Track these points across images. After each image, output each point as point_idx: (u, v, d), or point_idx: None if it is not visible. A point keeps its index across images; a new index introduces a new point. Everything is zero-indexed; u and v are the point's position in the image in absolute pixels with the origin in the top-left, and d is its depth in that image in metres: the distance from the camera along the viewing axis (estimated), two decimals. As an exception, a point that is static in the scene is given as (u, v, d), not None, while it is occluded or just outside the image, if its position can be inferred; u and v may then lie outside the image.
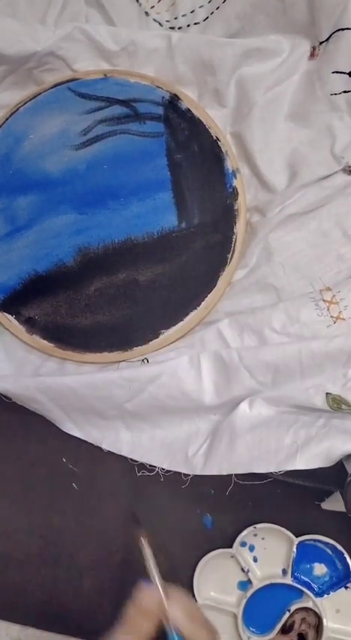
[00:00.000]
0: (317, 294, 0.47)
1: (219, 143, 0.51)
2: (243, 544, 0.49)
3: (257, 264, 0.50)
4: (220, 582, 0.49)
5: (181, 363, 0.47)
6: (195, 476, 0.48)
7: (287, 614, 0.47)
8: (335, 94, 0.47)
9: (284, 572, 0.48)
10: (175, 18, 0.51)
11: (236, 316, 0.48)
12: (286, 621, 0.48)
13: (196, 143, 0.51)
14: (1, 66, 0.51)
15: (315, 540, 0.48)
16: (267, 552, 0.49)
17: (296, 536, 0.48)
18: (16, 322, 0.51)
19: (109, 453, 0.49)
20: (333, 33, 0.46)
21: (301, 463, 0.44)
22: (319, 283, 0.48)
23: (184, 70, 0.51)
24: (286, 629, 0.48)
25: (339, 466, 0.44)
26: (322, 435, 0.45)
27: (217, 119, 0.51)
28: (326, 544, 0.48)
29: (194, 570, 0.49)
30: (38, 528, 0.51)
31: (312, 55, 0.49)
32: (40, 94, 0.52)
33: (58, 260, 0.50)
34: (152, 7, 0.52)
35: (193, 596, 0.48)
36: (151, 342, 0.50)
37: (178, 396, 0.47)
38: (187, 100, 0.51)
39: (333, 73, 0.46)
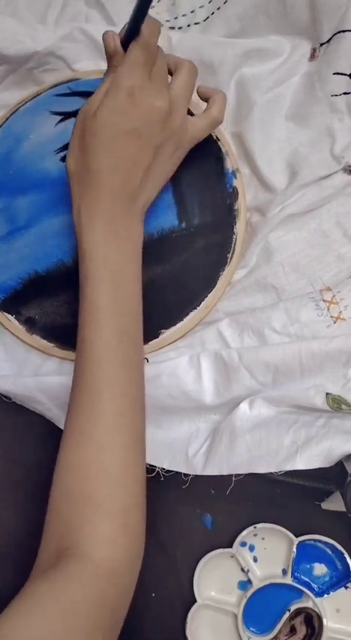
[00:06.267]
0: (317, 294, 0.47)
1: (219, 143, 0.51)
2: (243, 544, 0.49)
3: (257, 264, 0.50)
4: (220, 582, 0.49)
5: (181, 363, 0.47)
6: (195, 476, 0.48)
7: (287, 614, 0.47)
8: (335, 95, 0.47)
9: (284, 572, 0.48)
10: (175, 18, 0.51)
11: (236, 316, 0.48)
12: (289, 625, 0.48)
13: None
14: (1, 66, 0.51)
15: (315, 540, 0.48)
16: (267, 552, 0.49)
17: (296, 536, 0.48)
18: (16, 322, 0.51)
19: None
20: (334, 35, 0.46)
21: (301, 463, 0.44)
22: (319, 283, 0.48)
23: (184, 70, 0.51)
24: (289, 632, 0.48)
25: (339, 466, 0.44)
26: (322, 435, 0.45)
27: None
28: (326, 544, 0.48)
29: (194, 570, 0.49)
30: (38, 528, 0.51)
31: (312, 56, 0.49)
32: (40, 94, 0.52)
33: (58, 260, 0.50)
34: (152, 6, 0.51)
35: (193, 596, 0.48)
36: (151, 342, 0.50)
37: (178, 395, 0.47)
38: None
39: (334, 74, 0.46)
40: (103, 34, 0.40)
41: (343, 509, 0.44)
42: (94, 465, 0.40)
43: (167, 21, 0.52)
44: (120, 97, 0.40)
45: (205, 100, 0.46)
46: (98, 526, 0.38)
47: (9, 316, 0.51)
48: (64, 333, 0.50)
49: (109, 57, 0.41)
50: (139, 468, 0.41)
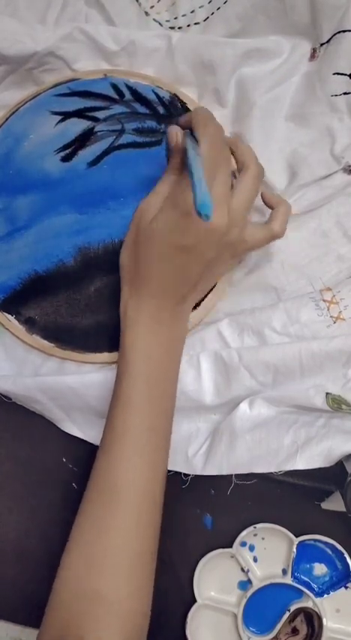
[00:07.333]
0: (317, 294, 0.47)
1: (219, 143, 0.51)
2: (243, 544, 0.49)
3: (257, 264, 0.50)
4: (220, 582, 0.49)
5: (181, 363, 0.47)
6: (195, 476, 0.48)
7: (287, 614, 0.47)
8: (335, 95, 0.47)
9: (284, 572, 0.48)
10: (175, 18, 0.51)
11: (236, 316, 0.48)
12: (291, 624, 0.48)
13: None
14: (1, 66, 0.51)
15: (315, 540, 0.48)
16: (267, 552, 0.49)
17: (296, 536, 0.48)
18: (16, 322, 0.51)
19: (109, 453, 0.49)
20: (334, 35, 0.46)
21: (301, 463, 0.44)
22: (319, 283, 0.48)
23: (184, 70, 0.51)
24: (291, 631, 0.48)
25: (339, 466, 0.44)
26: (322, 435, 0.45)
27: (217, 119, 0.51)
28: (326, 544, 0.48)
29: (194, 570, 0.49)
30: (38, 528, 0.51)
31: (312, 56, 0.49)
32: (40, 94, 0.52)
33: (58, 260, 0.50)
34: (152, 6, 0.52)
35: (193, 596, 0.48)
36: (151, 342, 0.50)
37: (178, 395, 0.47)
38: (187, 100, 0.51)
39: (333, 74, 0.46)
40: (169, 128, 0.41)
41: (343, 509, 0.44)
42: (109, 565, 0.39)
43: (167, 21, 0.52)
44: (176, 214, 0.39)
45: (270, 207, 0.45)
46: (108, 626, 0.38)
47: (9, 316, 0.51)
48: (65, 334, 0.50)
49: (170, 152, 0.42)
50: (151, 572, 0.41)
